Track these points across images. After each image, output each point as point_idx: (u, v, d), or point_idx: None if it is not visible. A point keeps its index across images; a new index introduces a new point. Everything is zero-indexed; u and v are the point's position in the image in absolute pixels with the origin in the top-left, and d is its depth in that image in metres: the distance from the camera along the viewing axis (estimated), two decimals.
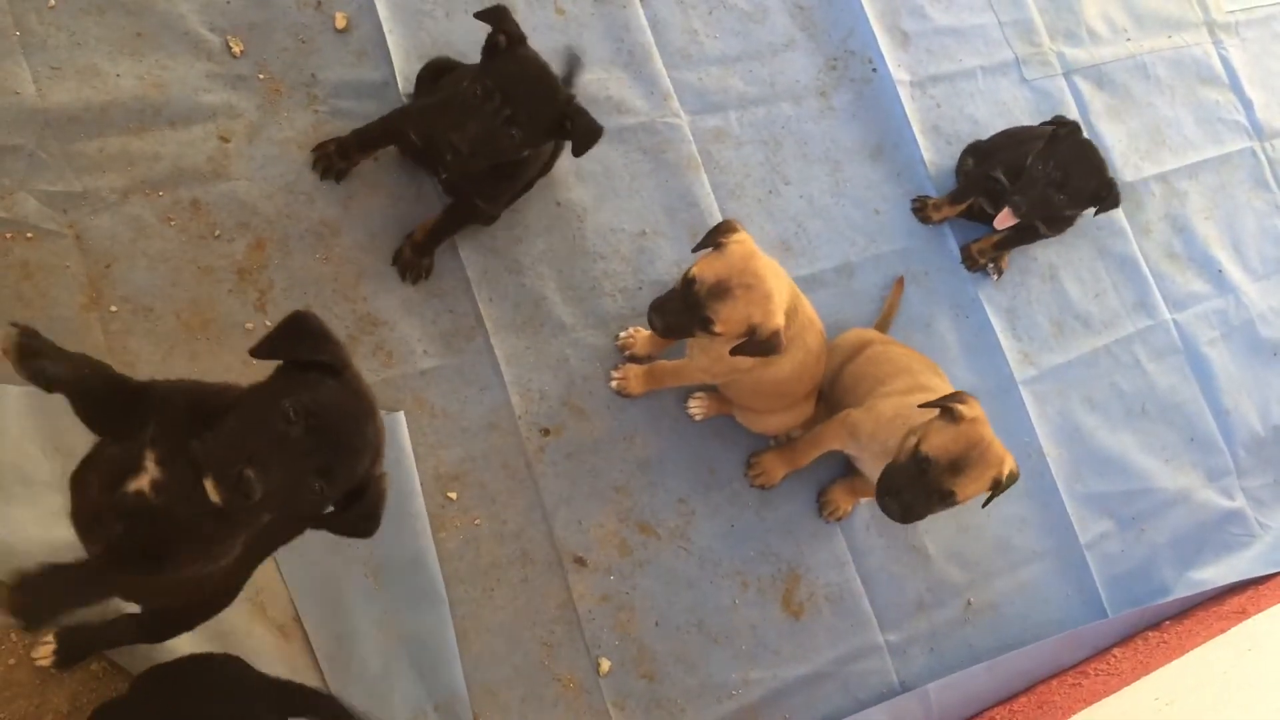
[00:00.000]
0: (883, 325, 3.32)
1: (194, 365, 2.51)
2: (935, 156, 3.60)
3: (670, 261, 3.10)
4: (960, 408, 2.55)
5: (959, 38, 3.79)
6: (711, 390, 3.02)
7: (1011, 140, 3.45)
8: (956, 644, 3.19)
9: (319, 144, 2.74)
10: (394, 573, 2.58)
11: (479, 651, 2.64)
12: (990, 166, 3.37)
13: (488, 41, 2.45)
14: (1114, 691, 3.08)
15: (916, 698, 3.00)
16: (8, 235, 2.42)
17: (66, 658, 2.19)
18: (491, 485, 2.77)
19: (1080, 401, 3.60)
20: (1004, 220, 3.26)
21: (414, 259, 2.76)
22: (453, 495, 2.71)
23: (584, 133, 2.51)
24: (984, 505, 2.70)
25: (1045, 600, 3.36)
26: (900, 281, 3.41)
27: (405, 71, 2.88)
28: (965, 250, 3.53)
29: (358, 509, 1.65)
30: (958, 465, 2.52)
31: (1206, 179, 4.14)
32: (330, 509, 1.66)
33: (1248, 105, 4.32)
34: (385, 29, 2.91)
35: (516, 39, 2.43)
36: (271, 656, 2.37)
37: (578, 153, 2.55)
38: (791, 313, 2.67)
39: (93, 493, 1.76)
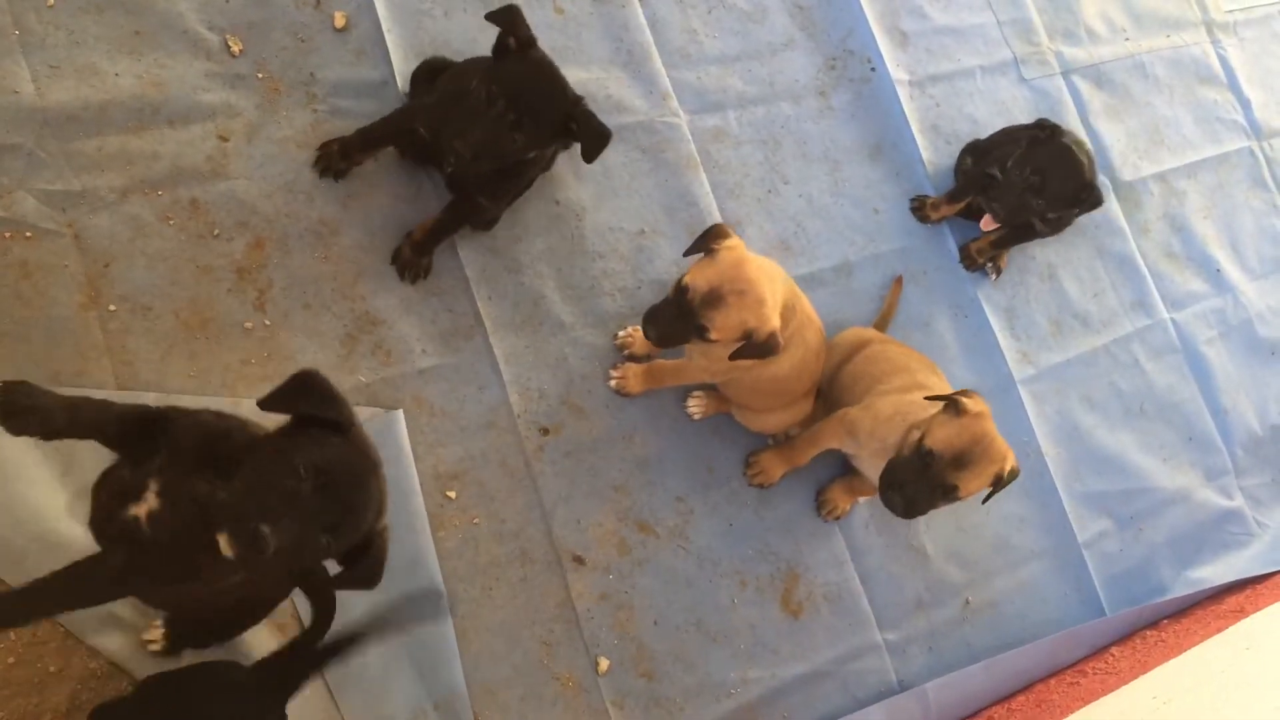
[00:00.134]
0: (882, 324, 3.32)
1: (192, 364, 2.51)
2: (934, 156, 3.60)
3: (669, 261, 3.10)
4: (965, 402, 2.56)
5: (958, 37, 3.80)
6: (710, 389, 3.02)
7: (1010, 139, 3.45)
8: (955, 643, 3.20)
9: (323, 143, 2.74)
10: (393, 572, 2.53)
11: (478, 650, 2.65)
12: (988, 165, 3.36)
13: (497, 42, 2.44)
14: (1112, 690, 3.08)
15: (915, 697, 3.01)
16: (6, 234, 2.42)
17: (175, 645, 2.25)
18: (490, 484, 2.77)
19: (1079, 401, 3.61)
20: (987, 223, 3.35)
21: (413, 258, 2.76)
22: (452, 494, 2.71)
23: (592, 137, 2.51)
24: (984, 501, 2.71)
25: (1043, 599, 3.36)
26: (899, 281, 3.41)
27: (404, 71, 2.87)
28: (964, 249, 3.53)
29: (363, 563, 1.72)
30: (961, 460, 2.52)
31: (1205, 178, 4.14)
32: (337, 565, 1.71)
33: (1246, 105, 4.32)
34: (384, 28, 2.91)
35: (526, 41, 2.43)
36: None
37: (588, 158, 2.55)
38: (790, 311, 2.67)
39: (102, 507, 1.82)
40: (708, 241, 2.58)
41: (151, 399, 2.42)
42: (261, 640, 2.38)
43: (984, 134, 3.61)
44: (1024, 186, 3.19)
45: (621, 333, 2.98)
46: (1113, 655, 3.26)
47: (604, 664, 2.77)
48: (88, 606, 1.99)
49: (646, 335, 2.64)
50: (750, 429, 3.05)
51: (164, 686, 2.06)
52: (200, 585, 1.82)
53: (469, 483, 2.74)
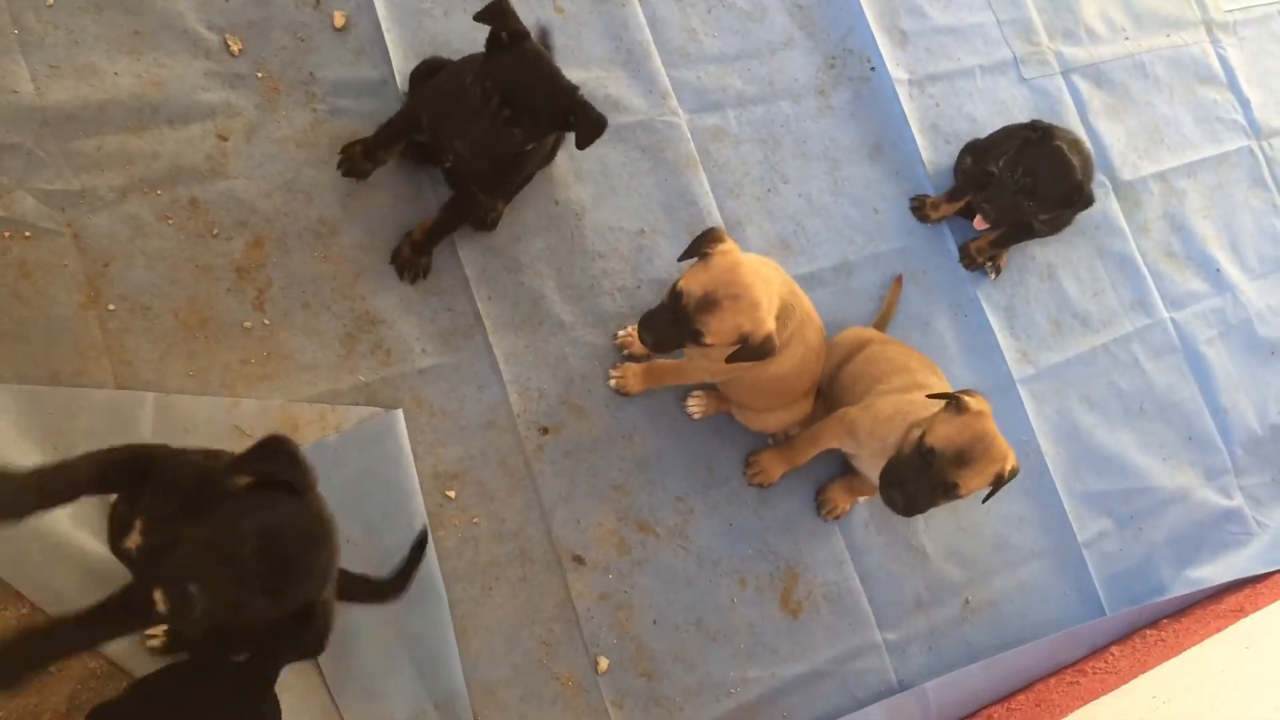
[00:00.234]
0: (881, 324, 3.32)
1: (192, 364, 2.51)
2: (934, 155, 3.60)
3: (669, 260, 3.10)
4: (967, 400, 2.56)
5: (957, 37, 3.79)
6: (710, 389, 3.02)
7: (1010, 138, 3.45)
8: (955, 642, 3.20)
9: (345, 145, 2.74)
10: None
11: (478, 650, 2.65)
12: (988, 164, 3.37)
13: (489, 38, 2.44)
14: (1112, 690, 3.08)
15: (915, 696, 3.01)
16: (6, 234, 2.41)
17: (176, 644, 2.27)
18: (490, 484, 2.77)
19: (1078, 400, 3.61)
20: (979, 223, 3.39)
21: (412, 258, 2.76)
22: (451, 494, 2.71)
23: (588, 126, 2.50)
24: (984, 500, 2.71)
25: (1043, 599, 3.36)
26: (899, 280, 3.41)
27: (404, 70, 2.87)
28: (963, 249, 3.53)
29: (306, 631, 1.76)
30: (962, 457, 2.53)
31: (1204, 178, 4.14)
32: (278, 632, 1.77)
33: (1245, 104, 4.32)
34: (384, 27, 2.91)
35: (519, 35, 2.42)
36: None
37: (581, 145, 2.55)
38: (789, 310, 2.67)
39: (110, 536, 1.91)
40: (702, 246, 2.58)
41: (151, 399, 2.42)
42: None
43: (983, 133, 3.61)
44: (1015, 188, 3.21)
45: (621, 332, 2.98)
46: (1112, 654, 3.26)
47: (603, 663, 2.77)
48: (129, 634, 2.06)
49: (642, 340, 2.65)
50: (750, 428, 3.05)
51: (159, 684, 2.06)
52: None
53: (469, 482, 2.74)
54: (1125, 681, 3.11)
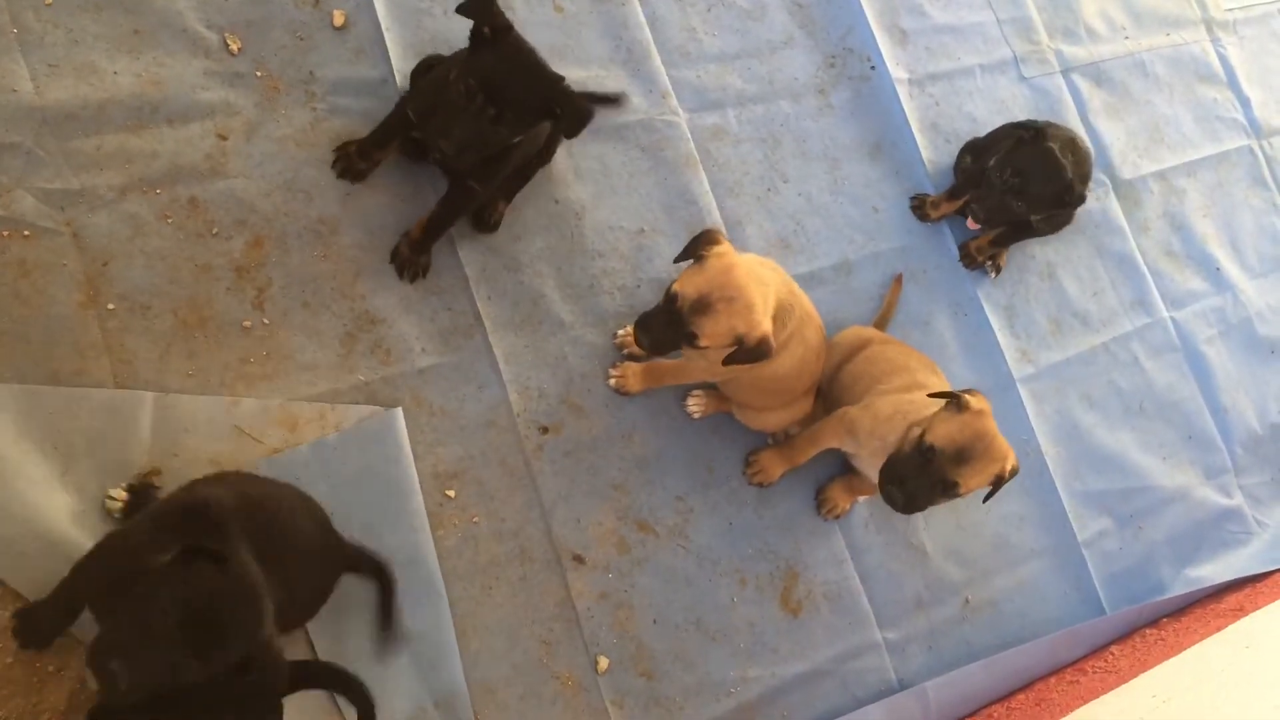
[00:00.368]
0: (881, 323, 3.32)
1: (191, 363, 2.51)
2: (934, 154, 3.60)
3: (669, 259, 3.09)
4: (968, 399, 2.57)
5: (957, 36, 3.79)
6: (710, 388, 3.02)
7: (1007, 138, 3.45)
8: (955, 642, 3.20)
9: (339, 145, 2.74)
10: (393, 570, 2.57)
11: (478, 649, 2.64)
12: (987, 163, 3.37)
13: (473, 31, 2.41)
14: (1112, 689, 3.08)
15: (915, 695, 3.00)
16: (5, 233, 2.41)
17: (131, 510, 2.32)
18: (490, 483, 2.76)
19: (1078, 399, 3.61)
20: (972, 223, 3.42)
21: (411, 256, 2.75)
22: (451, 493, 2.71)
23: (574, 116, 2.49)
24: (984, 501, 2.71)
25: (1043, 598, 3.36)
26: (899, 279, 3.41)
27: (403, 69, 2.87)
28: (963, 248, 3.53)
29: (250, 681, 1.83)
30: (963, 455, 2.53)
31: (1204, 177, 4.14)
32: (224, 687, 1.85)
33: (1245, 103, 4.32)
34: (383, 26, 2.91)
35: (503, 29, 2.40)
36: None
37: (568, 135, 2.54)
38: (787, 310, 2.67)
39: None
40: (697, 248, 2.58)
41: (150, 399, 2.42)
42: None
43: (983, 132, 3.60)
44: (1003, 189, 3.22)
45: (621, 331, 2.98)
46: (1112, 654, 3.26)
47: (603, 663, 2.77)
48: None
49: (639, 342, 2.66)
50: (750, 428, 3.05)
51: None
52: None
53: (468, 481, 2.74)
54: (1125, 681, 3.11)
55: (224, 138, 2.68)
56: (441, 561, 2.64)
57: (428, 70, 2.76)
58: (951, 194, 3.48)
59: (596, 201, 3.07)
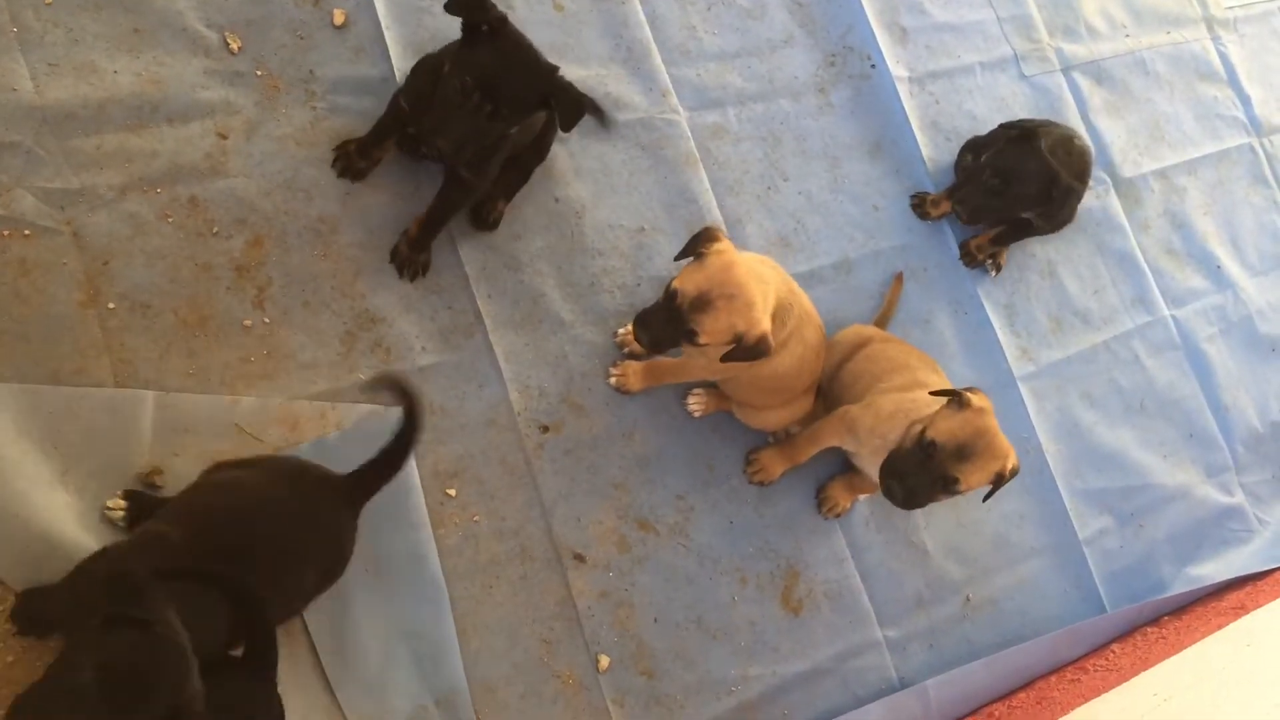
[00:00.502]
0: (882, 321, 3.32)
1: (191, 362, 2.51)
2: (934, 153, 3.60)
3: (669, 258, 3.10)
4: (969, 396, 2.57)
5: (958, 34, 3.79)
6: (710, 386, 3.02)
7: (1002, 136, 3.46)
8: (955, 640, 3.19)
9: (339, 144, 2.74)
10: (394, 569, 2.57)
11: (478, 648, 2.64)
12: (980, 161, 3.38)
13: (465, 24, 2.40)
14: (1113, 687, 3.08)
15: (915, 694, 3.00)
16: (5, 233, 2.41)
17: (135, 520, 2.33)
18: (490, 482, 2.76)
19: (1079, 397, 3.61)
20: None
21: (411, 255, 2.75)
22: (452, 492, 2.71)
23: (568, 107, 2.48)
24: (985, 499, 2.71)
25: (1044, 596, 3.36)
26: (899, 278, 3.41)
27: (403, 68, 2.87)
28: (964, 246, 3.53)
29: None
30: (963, 452, 2.53)
31: (1205, 175, 4.14)
32: None
33: (1246, 101, 4.32)
34: (383, 25, 2.91)
35: (496, 22, 2.39)
36: None
37: (564, 128, 2.54)
38: (787, 309, 2.67)
39: None
40: (697, 245, 2.58)
41: (151, 398, 2.42)
42: None
43: (984, 130, 3.60)
44: (985, 189, 3.23)
45: (621, 330, 2.98)
46: (1113, 652, 3.26)
47: (604, 661, 2.77)
48: None
49: (638, 339, 2.65)
50: (750, 426, 3.05)
51: None
52: None
53: (469, 480, 2.74)
54: (1126, 679, 3.11)
55: (224, 137, 2.68)
56: (442, 560, 2.64)
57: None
58: (952, 193, 3.47)
59: (597, 200, 3.07)
